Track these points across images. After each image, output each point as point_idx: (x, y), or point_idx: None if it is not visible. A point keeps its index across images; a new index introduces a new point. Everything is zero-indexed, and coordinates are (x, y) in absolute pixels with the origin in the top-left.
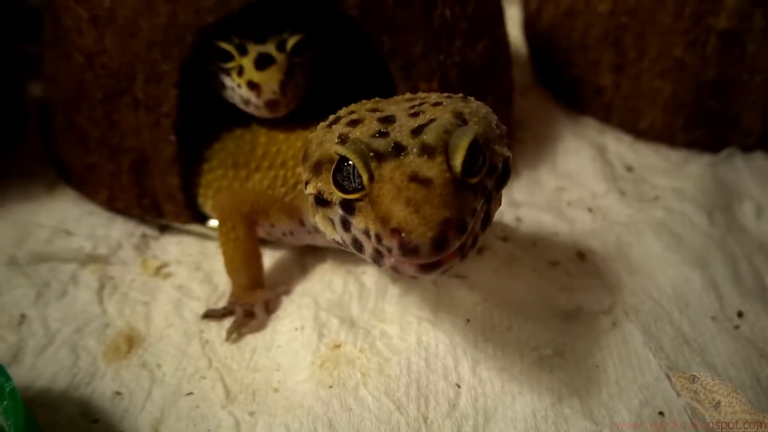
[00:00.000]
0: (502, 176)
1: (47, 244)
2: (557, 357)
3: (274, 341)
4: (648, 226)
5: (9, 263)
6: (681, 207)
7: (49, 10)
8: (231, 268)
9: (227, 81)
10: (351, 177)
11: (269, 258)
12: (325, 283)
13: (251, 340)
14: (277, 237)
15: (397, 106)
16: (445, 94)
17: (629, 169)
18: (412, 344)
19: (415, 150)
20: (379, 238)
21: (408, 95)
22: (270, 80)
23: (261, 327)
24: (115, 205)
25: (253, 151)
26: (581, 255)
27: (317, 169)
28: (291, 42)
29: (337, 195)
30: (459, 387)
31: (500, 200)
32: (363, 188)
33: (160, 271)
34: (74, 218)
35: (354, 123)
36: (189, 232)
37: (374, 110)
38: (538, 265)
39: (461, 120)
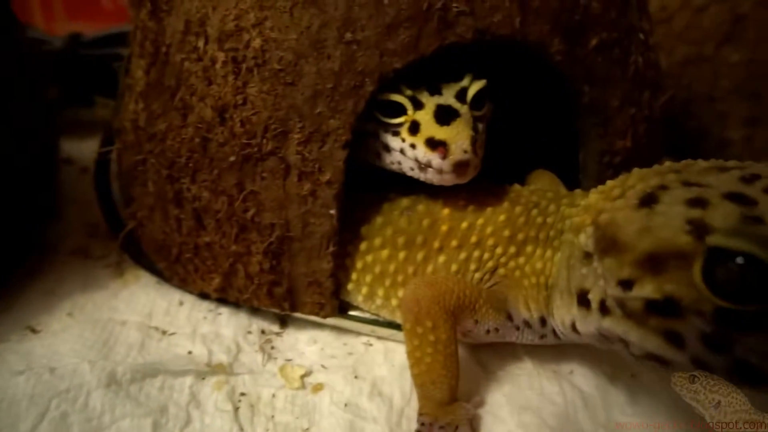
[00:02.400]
0: None
1: (144, 350)
2: None
3: None
4: None
5: (108, 384)
6: None
7: (149, 51)
8: (426, 380)
9: (393, 141)
10: (741, 280)
11: None
12: (535, 390)
13: None
14: (478, 338)
15: (713, 177)
16: (759, 164)
17: None
18: None
19: None
20: None
21: (710, 163)
22: (458, 137)
23: None
24: (230, 293)
25: (433, 227)
26: None
27: (654, 265)
28: (473, 90)
29: (713, 303)
30: None
31: None
32: None
33: (306, 381)
34: (163, 311)
35: (698, 203)
36: (319, 325)
37: (691, 184)
38: None
39: None
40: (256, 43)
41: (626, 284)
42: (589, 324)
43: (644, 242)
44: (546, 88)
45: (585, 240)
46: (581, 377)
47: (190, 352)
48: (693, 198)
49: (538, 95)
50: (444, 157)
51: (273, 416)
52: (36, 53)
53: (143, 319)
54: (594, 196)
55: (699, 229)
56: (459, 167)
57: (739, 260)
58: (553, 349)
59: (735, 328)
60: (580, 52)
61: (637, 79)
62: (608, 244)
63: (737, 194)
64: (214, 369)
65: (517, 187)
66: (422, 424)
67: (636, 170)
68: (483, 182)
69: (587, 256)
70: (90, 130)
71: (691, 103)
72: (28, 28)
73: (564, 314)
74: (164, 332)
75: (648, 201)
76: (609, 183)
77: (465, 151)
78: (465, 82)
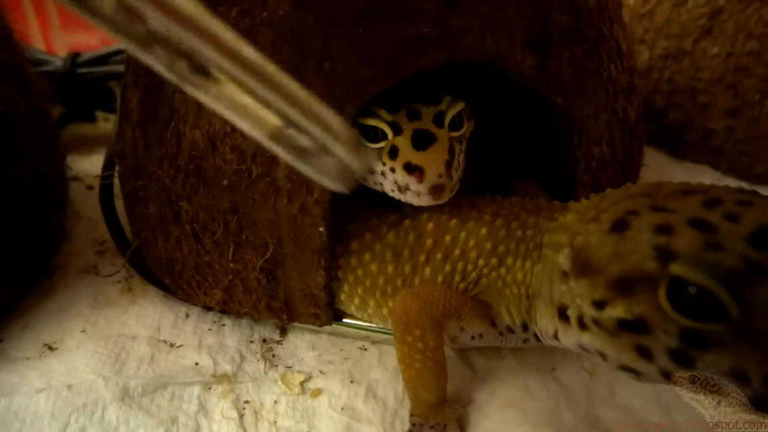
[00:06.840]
0: None
1: (153, 363)
2: None
3: None
4: None
5: (122, 398)
6: None
7: (142, 82)
8: (416, 384)
9: (375, 164)
10: (701, 303)
11: None
12: (519, 387)
13: None
14: (463, 343)
15: (679, 201)
16: (722, 187)
17: None
18: None
19: None
20: None
21: (677, 186)
22: (434, 161)
23: None
24: (231, 307)
25: (419, 241)
26: None
27: (624, 287)
28: (450, 114)
29: (679, 323)
30: None
31: None
32: (727, 319)
33: (306, 386)
34: (170, 325)
35: (664, 230)
36: (316, 332)
37: (656, 207)
38: None
39: None
40: None
41: (599, 304)
42: (570, 336)
43: (615, 266)
44: (522, 99)
45: (563, 259)
46: (563, 373)
47: (197, 364)
48: (660, 224)
49: (516, 106)
50: (420, 181)
51: (275, 421)
52: (37, 74)
53: (152, 333)
54: (570, 215)
55: (664, 255)
56: (435, 190)
57: (692, 289)
58: (537, 348)
59: (696, 346)
60: (551, 66)
61: (609, 87)
62: (583, 266)
63: (700, 220)
64: (219, 379)
65: (498, 199)
66: (413, 425)
67: (609, 192)
68: (466, 194)
69: (565, 274)
70: (93, 145)
71: (675, 95)
72: (28, 49)
73: (547, 324)
74: (172, 345)
75: (619, 227)
76: (584, 203)
77: (440, 176)
78: (443, 106)
